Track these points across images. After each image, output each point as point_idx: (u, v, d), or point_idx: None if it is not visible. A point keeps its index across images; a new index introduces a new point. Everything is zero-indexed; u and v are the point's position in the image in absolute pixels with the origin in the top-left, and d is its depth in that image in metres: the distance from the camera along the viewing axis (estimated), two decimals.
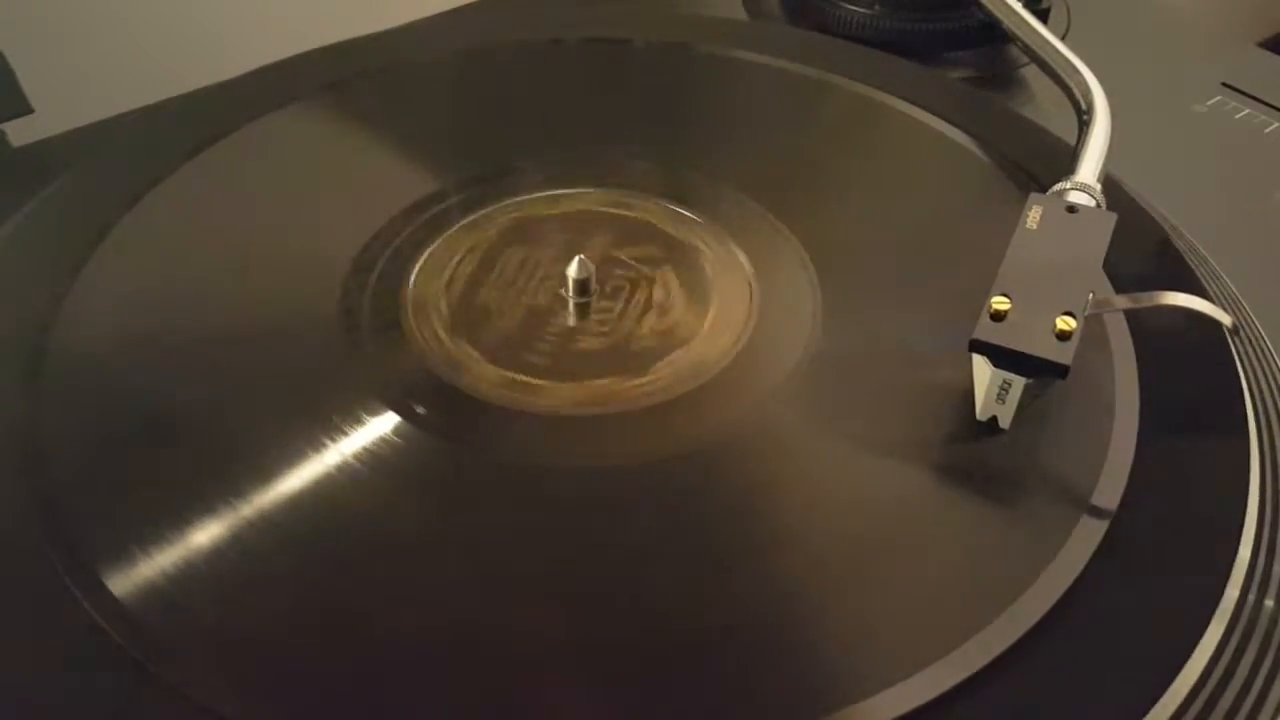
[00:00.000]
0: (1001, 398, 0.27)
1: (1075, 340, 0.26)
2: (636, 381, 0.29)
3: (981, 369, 0.27)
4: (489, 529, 0.26)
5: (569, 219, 0.35)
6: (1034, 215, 0.29)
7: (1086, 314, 0.27)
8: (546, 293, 0.32)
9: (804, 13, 0.49)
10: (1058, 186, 0.31)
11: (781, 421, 0.28)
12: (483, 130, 0.39)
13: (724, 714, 0.22)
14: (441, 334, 0.31)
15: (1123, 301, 0.28)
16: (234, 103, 0.39)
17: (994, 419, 0.27)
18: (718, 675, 0.23)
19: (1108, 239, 0.29)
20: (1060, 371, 0.26)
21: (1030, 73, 0.46)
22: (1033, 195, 0.30)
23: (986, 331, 0.26)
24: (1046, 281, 0.27)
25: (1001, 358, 0.26)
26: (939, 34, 0.47)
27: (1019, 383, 0.26)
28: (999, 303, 0.27)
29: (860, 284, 0.32)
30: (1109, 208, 0.30)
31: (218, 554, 0.25)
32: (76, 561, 0.24)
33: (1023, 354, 0.26)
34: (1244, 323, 0.33)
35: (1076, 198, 0.30)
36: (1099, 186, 0.31)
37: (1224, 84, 0.46)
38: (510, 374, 0.29)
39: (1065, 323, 0.26)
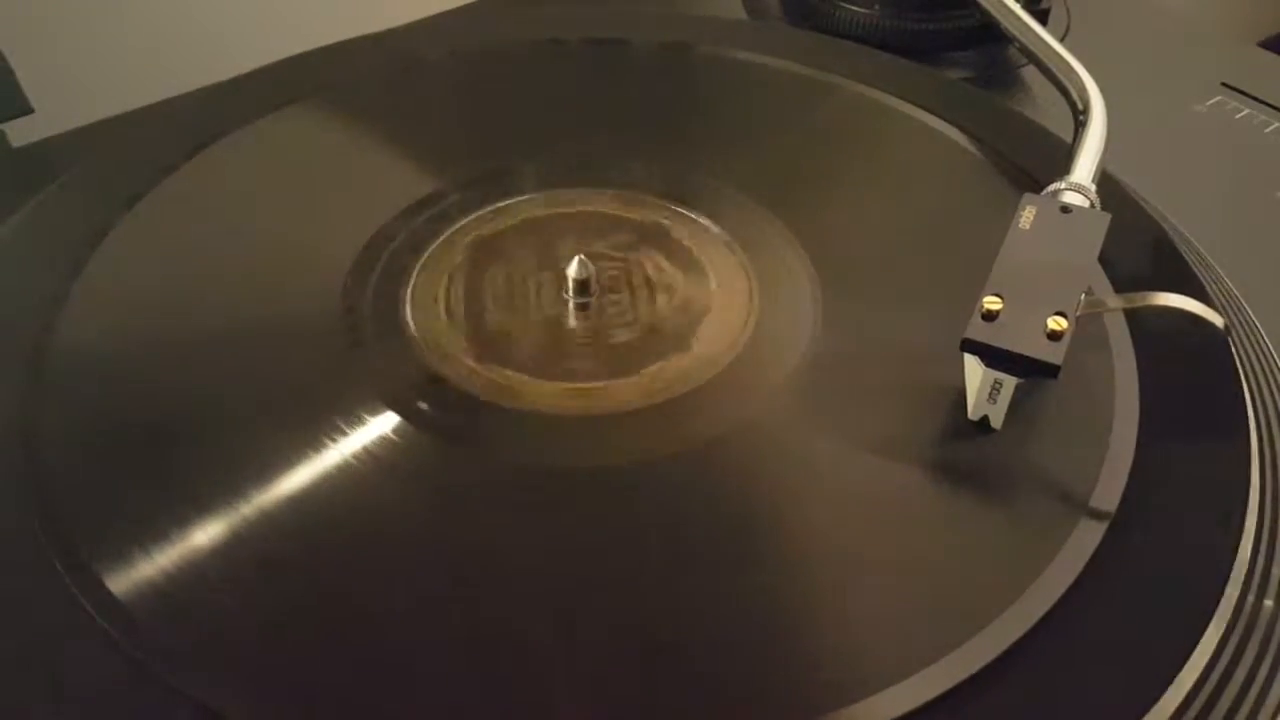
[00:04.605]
0: (993, 397, 0.27)
1: (1066, 340, 0.26)
2: (627, 379, 0.29)
3: (973, 369, 0.27)
4: (489, 529, 0.26)
5: (569, 219, 0.34)
6: (1028, 215, 0.29)
7: (1079, 314, 0.27)
8: (546, 293, 0.32)
9: (804, 13, 0.49)
10: (1052, 187, 0.31)
11: (781, 421, 0.28)
12: (483, 130, 0.39)
13: (724, 714, 0.22)
14: (442, 334, 0.30)
15: (1116, 302, 0.28)
16: (234, 103, 0.39)
17: (986, 419, 0.27)
18: (717, 675, 0.23)
19: (1101, 239, 0.29)
20: (1051, 371, 0.26)
21: (1030, 73, 0.46)
22: (1026, 195, 0.30)
23: (978, 331, 0.26)
24: (1039, 282, 0.27)
25: (993, 357, 0.26)
26: (939, 34, 0.47)
27: (1010, 382, 0.27)
28: (991, 302, 0.27)
29: (860, 283, 0.32)
30: (1109, 207, 0.30)
31: (218, 554, 0.25)
32: (76, 561, 0.24)
33: (1014, 354, 0.26)
34: (1243, 322, 0.33)
35: (1071, 198, 0.30)
36: (1094, 187, 0.31)
37: (1224, 84, 0.46)
38: (510, 373, 0.29)
39: (1057, 323, 0.26)
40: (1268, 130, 0.43)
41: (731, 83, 0.41)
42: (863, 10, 0.47)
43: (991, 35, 0.45)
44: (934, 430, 0.28)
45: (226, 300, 0.32)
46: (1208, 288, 0.32)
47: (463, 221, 0.34)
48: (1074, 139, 0.34)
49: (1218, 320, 0.27)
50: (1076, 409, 0.28)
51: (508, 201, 0.35)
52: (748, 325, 0.31)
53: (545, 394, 0.29)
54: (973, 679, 0.22)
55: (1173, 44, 0.49)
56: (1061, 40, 0.39)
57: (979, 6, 0.44)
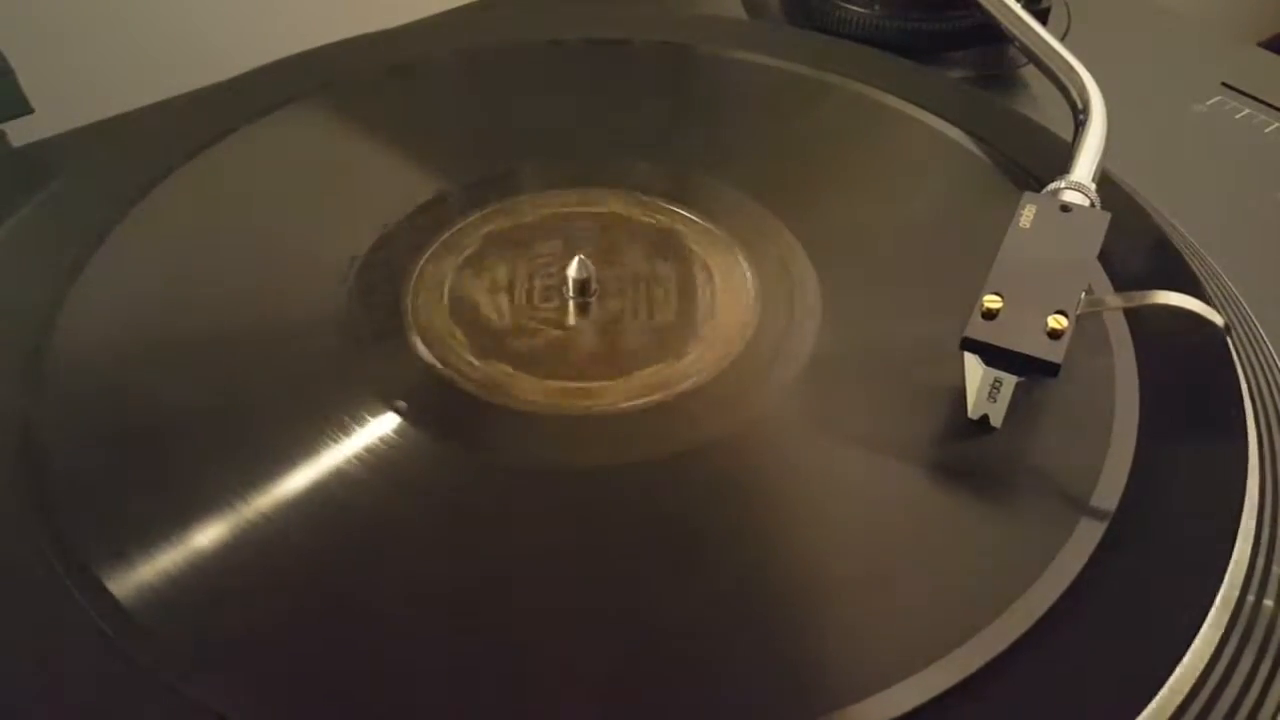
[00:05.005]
0: (993, 396, 0.27)
1: (1066, 339, 0.26)
2: (628, 379, 0.29)
3: (973, 368, 0.27)
4: (489, 528, 0.26)
5: (569, 219, 0.34)
6: (1028, 214, 0.29)
7: (1079, 313, 0.27)
8: (547, 293, 0.32)
9: (804, 13, 0.49)
10: (1052, 186, 0.31)
11: (781, 421, 0.28)
12: (483, 130, 0.39)
13: (724, 714, 0.22)
14: (443, 334, 0.30)
15: (1115, 300, 0.28)
16: (234, 103, 0.39)
17: (986, 418, 0.27)
18: (717, 675, 0.23)
19: (1101, 238, 0.29)
20: (1051, 370, 0.26)
21: (1030, 73, 0.46)
22: (1026, 194, 0.30)
23: (978, 330, 0.26)
24: (1039, 280, 0.27)
25: (993, 356, 0.26)
26: (939, 34, 0.47)
27: (1010, 381, 0.27)
28: (991, 301, 0.27)
29: (860, 283, 0.32)
30: (1109, 207, 0.30)
31: (217, 554, 0.25)
32: (76, 563, 0.24)
33: (1013, 352, 0.26)
34: (1242, 322, 0.33)
35: (1071, 197, 0.30)
36: (1094, 186, 0.31)
37: (1224, 84, 0.46)
38: (510, 373, 0.29)
39: (1057, 321, 0.26)
40: (1268, 130, 0.43)
41: (731, 83, 0.41)
42: (863, 10, 0.47)
43: (991, 35, 0.45)
44: (934, 430, 0.28)
45: (226, 300, 0.32)
46: (1207, 287, 0.32)
47: (463, 222, 0.34)
48: (1074, 138, 0.34)
49: (1217, 319, 0.27)
50: (1076, 408, 0.28)
51: (508, 202, 0.35)
52: (748, 325, 0.31)
53: (546, 394, 0.29)
54: (972, 679, 0.22)
55: (1173, 44, 0.49)
56: (1061, 40, 0.39)
57: (979, 6, 0.44)
